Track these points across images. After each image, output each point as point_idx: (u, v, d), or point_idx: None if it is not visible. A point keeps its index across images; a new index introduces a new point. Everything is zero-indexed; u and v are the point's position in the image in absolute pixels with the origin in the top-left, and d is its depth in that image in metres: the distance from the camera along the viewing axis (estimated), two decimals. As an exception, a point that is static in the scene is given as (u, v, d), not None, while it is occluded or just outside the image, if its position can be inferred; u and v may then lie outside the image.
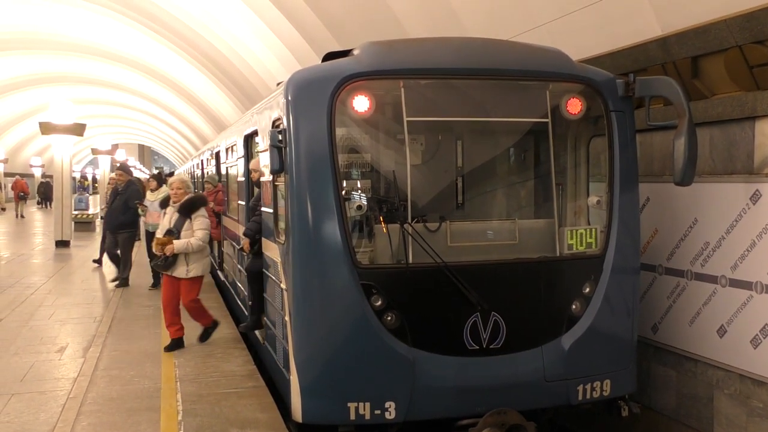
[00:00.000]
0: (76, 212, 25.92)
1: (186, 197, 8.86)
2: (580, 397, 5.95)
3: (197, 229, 8.66)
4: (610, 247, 6.04)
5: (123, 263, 14.01)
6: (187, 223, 8.68)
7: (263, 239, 7.71)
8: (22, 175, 49.17)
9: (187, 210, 8.76)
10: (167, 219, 8.88)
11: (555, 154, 6.22)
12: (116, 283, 13.92)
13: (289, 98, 5.75)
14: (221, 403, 6.85)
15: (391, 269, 5.80)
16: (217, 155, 13.80)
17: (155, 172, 26.60)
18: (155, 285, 13.32)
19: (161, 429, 6.26)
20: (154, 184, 14.23)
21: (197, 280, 8.92)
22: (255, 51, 19.16)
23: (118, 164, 17.25)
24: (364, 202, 6.07)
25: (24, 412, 6.67)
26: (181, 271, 8.70)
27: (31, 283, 14.33)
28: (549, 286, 6.00)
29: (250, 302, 8.56)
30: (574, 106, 6.22)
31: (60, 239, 21.01)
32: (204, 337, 9.23)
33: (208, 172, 16.02)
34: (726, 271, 6.37)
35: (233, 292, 11.27)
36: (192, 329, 9.16)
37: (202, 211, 8.85)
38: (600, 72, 6.32)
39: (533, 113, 6.39)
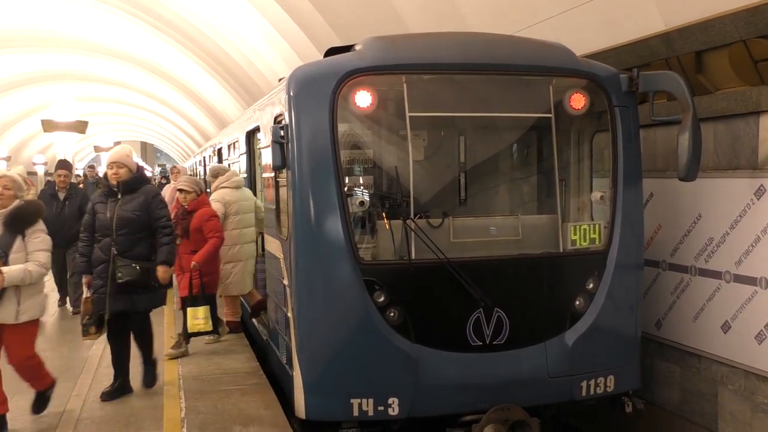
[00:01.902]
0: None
1: (15, 203, 6.15)
2: (583, 393, 5.94)
3: (36, 250, 6.08)
4: (614, 242, 6.02)
5: (76, 284, 10.68)
6: (18, 241, 6.01)
7: (265, 235, 7.68)
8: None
9: (19, 223, 6.09)
10: None
11: (558, 150, 6.19)
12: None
13: (291, 94, 5.73)
14: (224, 401, 6.84)
15: (394, 265, 5.78)
16: (219, 152, 13.80)
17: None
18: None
19: (164, 426, 6.25)
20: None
21: (32, 326, 6.18)
22: (258, 48, 19.14)
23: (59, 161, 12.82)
24: (367, 198, 6.05)
25: (27, 410, 6.66)
26: (7, 313, 5.96)
27: (34, 281, 14.27)
28: (552, 282, 5.99)
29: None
30: (578, 102, 6.20)
31: (62, 237, 20.93)
32: (39, 406, 6.59)
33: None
34: (730, 266, 6.34)
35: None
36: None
37: (41, 225, 6.26)
38: (604, 67, 6.30)
39: (536, 108, 6.36)
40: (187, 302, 8.19)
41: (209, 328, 8.16)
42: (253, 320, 8.95)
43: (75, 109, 22.23)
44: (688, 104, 5.69)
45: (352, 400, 5.54)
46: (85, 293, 7.00)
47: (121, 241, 6.73)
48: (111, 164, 6.95)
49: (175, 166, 16.28)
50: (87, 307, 6.89)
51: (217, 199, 9.23)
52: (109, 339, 7.13)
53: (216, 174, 9.78)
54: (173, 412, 6.56)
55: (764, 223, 5.97)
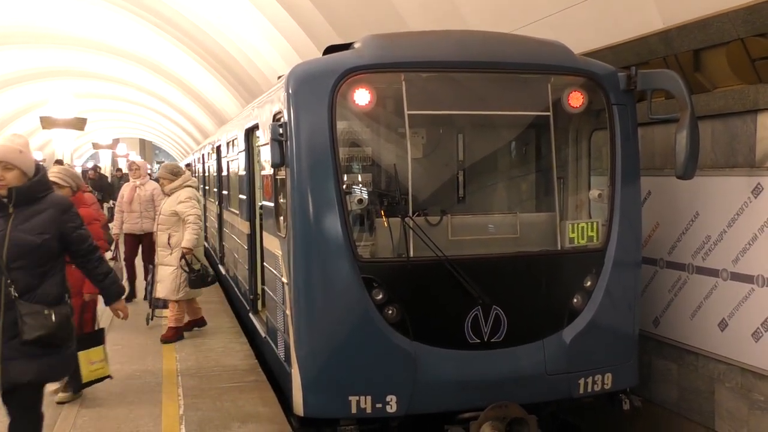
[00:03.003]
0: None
1: None
2: (581, 391, 5.96)
3: None
4: (612, 240, 6.03)
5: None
6: None
7: (264, 233, 7.68)
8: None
9: None
10: None
11: (556, 148, 6.21)
12: None
13: (290, 91, 5.74)
14: (223, 398, 6.86)
15: (392, 263, 5.79)
16: (218, 149, 13.81)
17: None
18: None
19: (162, 423, 6.27)
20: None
21: None
22: (257, 46, 19.14)
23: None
24: (365, 196, 6.06)
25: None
26: None
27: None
28: (550, 279, 6.00)
29: None
30: (576, 100, 6.20)
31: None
32: None
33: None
34: (727, 264, 6.36)
35: (234, 286, 11.28)
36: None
37: None
38: (602, 65, 6.31)
39: (535, 106, 6.37)
40: (78, 345, 5.56)
41: (107, 371, 6.33)
42: (251, 317, 8.95)
43: (73, 106, 22.27)
44: (686, 102, 5.70)
45: (350, 398, 5.54)
46: None
47: (18, 277, 4.54)
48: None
49: (134, 162, 13.22)
50: None
51: (191, 197, 9.23)
52: None
53: (176, 172, 9.52)
54: (172, 409, 6.58)
55: (761, 221, 5.99)
